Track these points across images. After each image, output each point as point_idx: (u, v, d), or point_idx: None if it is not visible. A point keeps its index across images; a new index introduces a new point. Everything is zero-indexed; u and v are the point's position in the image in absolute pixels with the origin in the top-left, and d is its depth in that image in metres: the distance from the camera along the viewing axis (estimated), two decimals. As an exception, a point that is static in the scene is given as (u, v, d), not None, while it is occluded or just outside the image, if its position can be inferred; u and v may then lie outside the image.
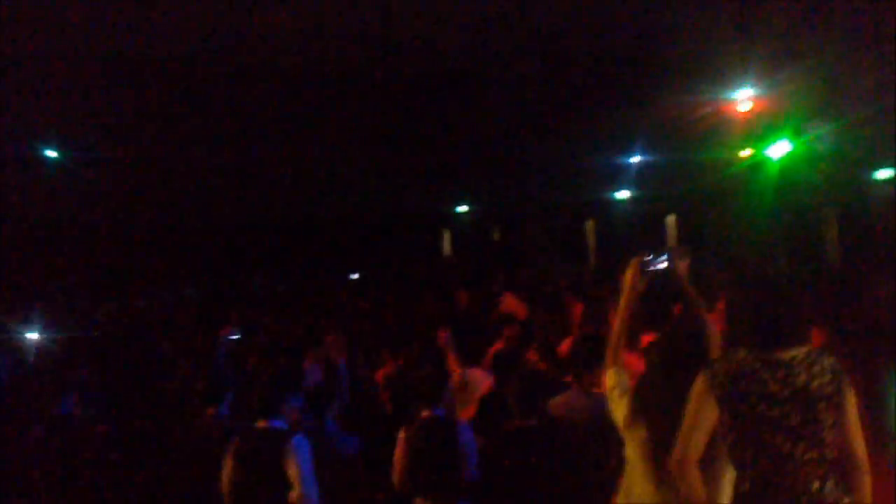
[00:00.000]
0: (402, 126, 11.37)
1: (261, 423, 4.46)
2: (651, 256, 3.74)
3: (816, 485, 2.68)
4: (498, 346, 7.39)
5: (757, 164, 13.75)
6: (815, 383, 2.71)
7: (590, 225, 22.29)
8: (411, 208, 20.47)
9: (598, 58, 8.81)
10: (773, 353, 2.77)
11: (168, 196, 15.09)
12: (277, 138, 11.52)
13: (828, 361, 2.77)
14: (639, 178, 16.45)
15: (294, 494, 4.22)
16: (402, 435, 5.09)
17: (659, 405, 3.51)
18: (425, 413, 5.05)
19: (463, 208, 22.84)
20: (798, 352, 2.77)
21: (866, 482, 2.81)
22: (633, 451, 3.67)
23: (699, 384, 2.85)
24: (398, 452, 5.06)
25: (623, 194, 19.51)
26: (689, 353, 3.51)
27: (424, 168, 14.54)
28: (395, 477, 5.09)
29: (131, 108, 9.36)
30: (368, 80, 8.86)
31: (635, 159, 14.79)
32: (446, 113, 10.93)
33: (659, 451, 3.51)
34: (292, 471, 4.24)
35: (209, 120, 10.28)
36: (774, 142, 12.85)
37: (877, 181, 15.11)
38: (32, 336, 9.15)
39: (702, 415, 2.82)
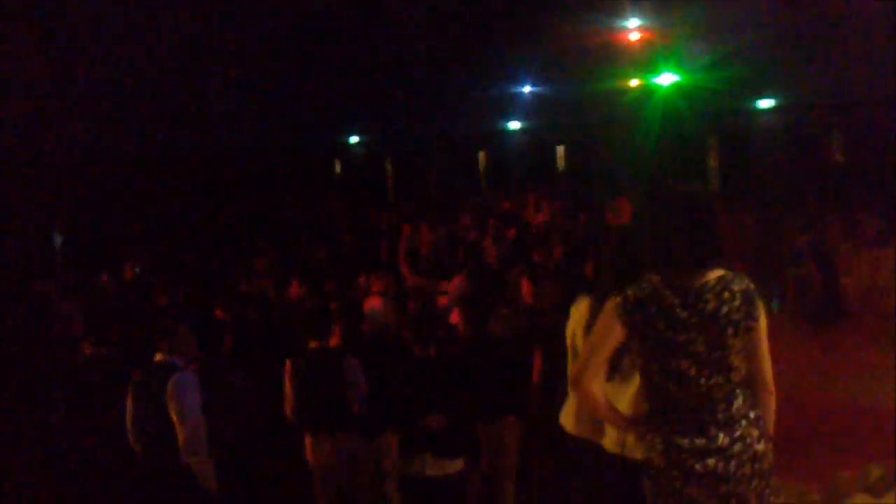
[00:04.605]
0: (297, 53, 11.06)
1: (158, 358, 4.45)
2: None
3: (722, 405, 2.75)
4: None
5: (644, 95, 13.95)
6: (724, 309, 2.72)
7: (482, 156, 22.32)
8: (301, 139, 19.93)
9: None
10: (685, 279, 2.75)
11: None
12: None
13: (739, 286, 2.76)
14: (530, 110, 16.49)
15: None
16: (287, 367, 4.98)
17: None
18: (312, 345, 4.95)
19: (355, 139, 22.46)
20: (710, 277, 2.75)
21: (772, 401, 2.89)
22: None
23: (609, 308, 2.85)
24: (286, 385, 4.95)
25: (514, 125, 19.56)
26: None
27: (317, 96, 14.15)
28: (287, 410, 4.98)
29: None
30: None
31: (527, 90, 14.81)
32: (342, 40, 10.65)
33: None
34: (174, 407, 4.24)
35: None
36: (661, 72, 13.05)
37: (759, 110, 15.57)
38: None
39: (606, 336, 2.84)
